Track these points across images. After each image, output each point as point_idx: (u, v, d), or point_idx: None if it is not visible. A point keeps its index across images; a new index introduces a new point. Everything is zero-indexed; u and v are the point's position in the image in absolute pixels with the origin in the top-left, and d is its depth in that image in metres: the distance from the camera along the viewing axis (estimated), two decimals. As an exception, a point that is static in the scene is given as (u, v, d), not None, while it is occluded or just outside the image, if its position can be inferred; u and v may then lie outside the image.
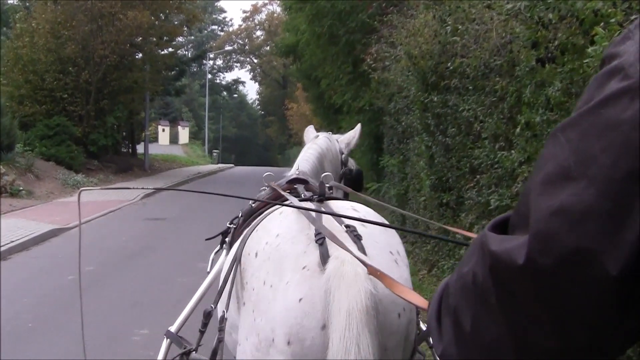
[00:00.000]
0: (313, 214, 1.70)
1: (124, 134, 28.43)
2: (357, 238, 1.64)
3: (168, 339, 2.15)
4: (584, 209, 0.56)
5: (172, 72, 27.29)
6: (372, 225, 1.70)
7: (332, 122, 18.52)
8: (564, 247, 0.56)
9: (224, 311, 1.86)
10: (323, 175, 2.32)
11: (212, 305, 1.96)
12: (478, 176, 5.07)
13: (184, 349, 2.02)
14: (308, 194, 2.09)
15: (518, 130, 3.86)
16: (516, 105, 4.31)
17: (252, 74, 65.86)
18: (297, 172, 2.48)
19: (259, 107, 69.79)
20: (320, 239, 1.61)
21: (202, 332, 2.02)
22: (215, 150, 43.81)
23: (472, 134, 5.54)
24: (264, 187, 2.38)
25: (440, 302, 0.76)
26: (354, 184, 2.87)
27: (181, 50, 32.34)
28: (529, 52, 3.72)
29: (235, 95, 68.00)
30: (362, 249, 1.60)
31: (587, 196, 0.56)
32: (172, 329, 2.19)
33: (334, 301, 1.47)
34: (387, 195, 9.93)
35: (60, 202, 13.57)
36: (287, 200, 1.94)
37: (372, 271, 1.37)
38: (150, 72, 21.54)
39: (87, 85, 19.06)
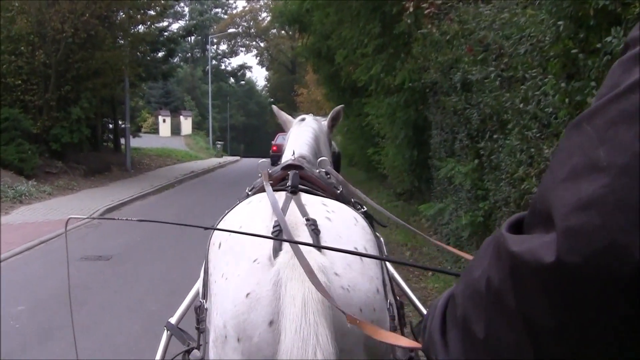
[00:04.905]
0: (280, 204, 1.68)
1: (111, 126, 24.81)
2: (314, 232, 1.58)
3: (168, 331, 2.10)
4: (616, 201, 0.51)
5: (159, 53, 23.46)
6: (340, 219, 1.69)
7: (350, 108, 14.59)
8: (596, 243, 0.52)
9: (202, 301, 1.78)
10: (320, 159, 2.44)
11: (201, 300, 1.84)
12: None
13: (187, 346, 1.92)
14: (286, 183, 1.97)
15: None
16: None
17: (258, 58, 62.47)
18: (292, 157, 2.33)
19: (267, 93, 66.48)
20: (277, 231, 1.57)
21: (198, 329, 1.90)
22: (218, 142, 40.45)
23: None
24: (260, 175, 2.24)
25: (444, 314, 0.72)
26: (334, 165, 2.81)
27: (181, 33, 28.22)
28: None
29: (243, 82, 64.70)
30: (318, 243, 1.55)
31: (620, 187, 0.51)
32: (172, 320, 2.12)
33: (286, 292, 1.41)
34: (454, 225, 6.19)
35: (-14, 224, 9.97)
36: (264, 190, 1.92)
37: (351, 320, 1.22)
38: (127, 51, 17.80)
39: (45, 69, 15.40)
